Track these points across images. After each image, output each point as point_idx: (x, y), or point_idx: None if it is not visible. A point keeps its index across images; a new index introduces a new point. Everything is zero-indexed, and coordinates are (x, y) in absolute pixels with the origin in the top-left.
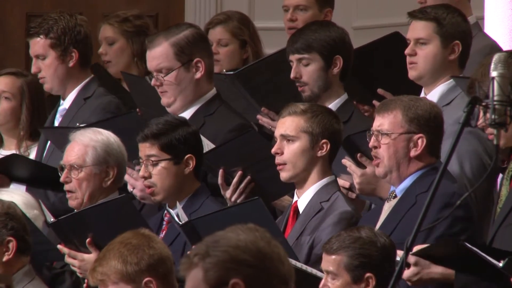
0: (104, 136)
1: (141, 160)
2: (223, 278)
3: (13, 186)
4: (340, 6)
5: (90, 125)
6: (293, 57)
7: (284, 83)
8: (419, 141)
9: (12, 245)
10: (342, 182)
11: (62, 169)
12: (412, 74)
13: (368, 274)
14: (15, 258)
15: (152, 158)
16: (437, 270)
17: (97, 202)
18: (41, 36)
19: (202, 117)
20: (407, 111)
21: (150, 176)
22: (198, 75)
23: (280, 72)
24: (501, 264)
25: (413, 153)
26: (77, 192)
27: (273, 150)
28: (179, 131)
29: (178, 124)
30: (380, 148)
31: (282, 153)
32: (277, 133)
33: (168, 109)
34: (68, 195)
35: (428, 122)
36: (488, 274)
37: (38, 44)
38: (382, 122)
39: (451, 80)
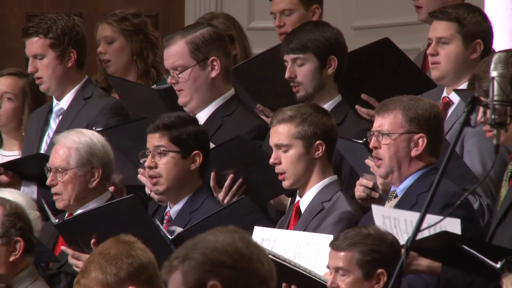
0: (87, 137)
1: (148, 151)
2: (201, 281)
3: (24, 185)
4: (340, 6)
5: (106, 129)
6: (287, 57)
7: (281, 79)
8: (420, 141)
9: (20, 245)
10: (365, 181)
11: (50, 170)
12: (434, 74)
13: (380, 270)
14: (20, 258)
15: (161, 148)
16: (423, 262)
17: (86, 203)
18: (40, 36)
19: (220, 117)
20: (407, 111)
21: (156, 167)
22: (213, 74)
23: (277, 68)
24: (498, 266)
25: (414, 153)
26: (63, 194)
27: (271, 161)
28: (190, 127)
29: (189, 121)
30: (380, 149)
31: (280, 163)
32: (271, 143)
33: (185, 109)
34: (55, 197)
35: (429, 122)
36: (474, 267)
37: (36, 44)
38: (382, 122)
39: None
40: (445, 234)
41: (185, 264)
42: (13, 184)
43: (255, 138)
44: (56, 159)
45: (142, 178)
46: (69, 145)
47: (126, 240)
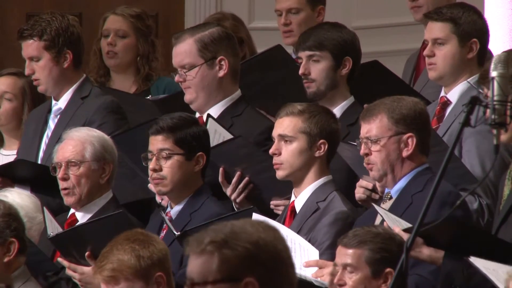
0: (99, 133)
1: (150, 154)
2: (239, 274)
3: (17, 189)
4: (340, 6)
5: (114, 135)
6: (303, 54)
7: (274, 82)
8: (409, 141)
9: (14, 246)
10: (365, 183)
11: (55, 169)
12: (432, 75)
13: (388, 269)
14: (14, 258)
15: (166, 151)
16: (426, 251)
17: (93, 200)
18: (35, 38)
19: (229, 117)
20: (392, 113)
21: (160, 169)
22: (221, 73)
23: (271, 70)
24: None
25: (405, 153)
26: (75, 188)
27: (271, 151)
28: (193, 128)
29: (192, 122)
30: (371, 155)
31: (280, 154)
32: (274, 133)
33: (192, 106)
34: (64, 192)
35: (415, 120)
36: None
37: (31, 46)
38: (369, 128)
39: (471, 78)
40: (455, 222)
41: (224, 252)
42: (5, 188)
43: (267, 140)
44: (69, 152)
45: (152, 187)
46: (83, 139)
47: (145, 232)
